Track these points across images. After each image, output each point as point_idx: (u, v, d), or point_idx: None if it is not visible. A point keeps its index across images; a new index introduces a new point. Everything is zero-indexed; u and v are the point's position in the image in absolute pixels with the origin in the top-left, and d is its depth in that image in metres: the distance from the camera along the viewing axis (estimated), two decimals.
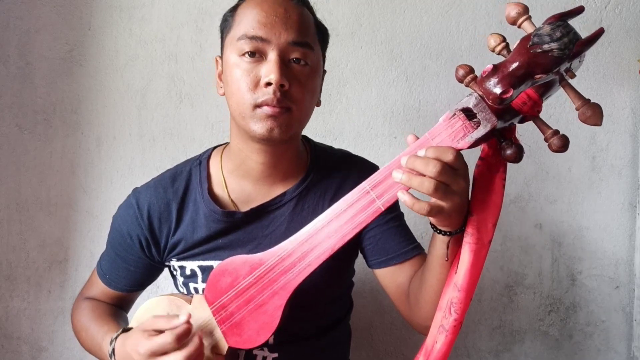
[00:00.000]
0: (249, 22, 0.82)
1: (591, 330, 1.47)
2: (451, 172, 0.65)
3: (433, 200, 0.66)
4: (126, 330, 0.87)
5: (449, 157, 0.64)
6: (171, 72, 1.41)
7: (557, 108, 1.42)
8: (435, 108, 1.43)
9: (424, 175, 0.64)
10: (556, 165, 1.42)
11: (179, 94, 1.41)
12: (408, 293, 0.90)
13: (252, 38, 0.81)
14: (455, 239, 0.73)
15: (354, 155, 1.02)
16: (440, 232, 0.73)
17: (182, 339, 0.76)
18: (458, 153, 0.65)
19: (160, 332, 0.78)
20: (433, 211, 0.66)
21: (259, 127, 0.82)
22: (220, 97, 0.91)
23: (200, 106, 1.41)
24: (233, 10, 0.87)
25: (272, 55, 0.81)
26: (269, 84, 0.80)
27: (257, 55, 0.81)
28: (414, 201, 0.66)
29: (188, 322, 0.78)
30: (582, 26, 1.41)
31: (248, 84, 0.81)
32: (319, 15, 0.85)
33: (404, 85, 1.42)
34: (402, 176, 0.66)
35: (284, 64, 0.81)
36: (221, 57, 0.89)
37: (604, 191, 1.44)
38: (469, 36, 1.42)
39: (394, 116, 1.43)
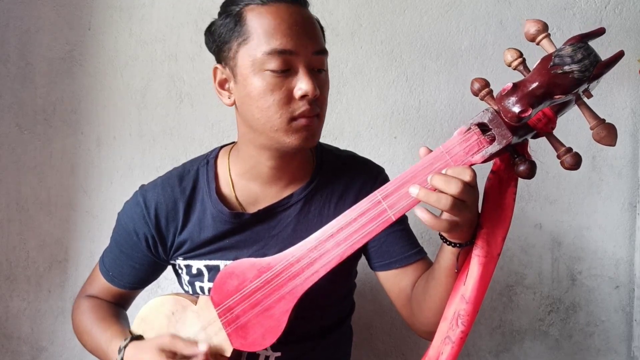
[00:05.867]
0: (272, 34, 0.79)
1: (591, 330, 1.47)
2: (469, 189, 0.66)
3: (447, 215, 0.67)
4: (135, 338, 0.88)
5: (467, 177, 0.65)
6: (171, 72, 1.41)
7: None
8: (435, 108, 1.43)
9: (441, 192, 0.65)
10: (556, 165, 1.41)
11: (179, 94, 1.41)
12: (410, 297, 0.90)
13: (282, 52, 0.78)
14: (466, 250, 0.74)
15: (360, 156, 1.02)
16: (450, 243, 0.74)
17: None
18: (474, 173, 0.66)
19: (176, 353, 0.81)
20: (450, 227, 0.67)
21: (295, 138, 0.82)
22: None
23: (200, 106, 1.41)
24: (236, 18, 0.82)
25: (302, 68, 0.80)
26: (303, 96, 0.79)
27: (287, 70, 0.80)
28: (431, 218, 0.66)
29: (206, 353, 0.79)
30: (581, 26, 1.42)
31: (282, 99, 0.80)
32: (318, 16, 0.85)
33: (404, 85, 1.42)
34: (420, 192, 0.67)
35: (312, 74, 0.81)
36: (224, 67, 0.85)
37: (604, 191, 1.45)
38: (469, 36, 1.42)
39: (394, 116, 1.43)
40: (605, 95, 1.43)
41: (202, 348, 0.79)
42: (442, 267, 0.77)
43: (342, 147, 1.05)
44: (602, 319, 1.47)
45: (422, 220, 0.67)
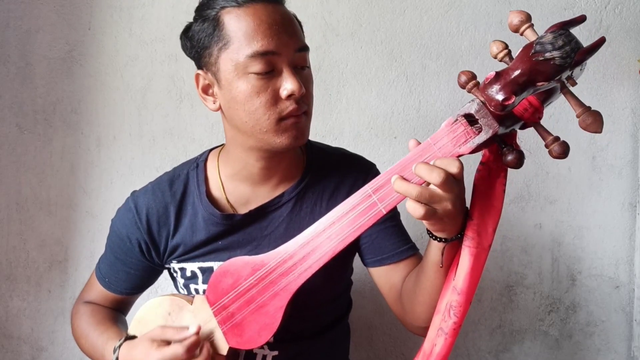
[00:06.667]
0: (252, 36, 0.78)
1: (591, 330, 1.47)
2: (451, 181, 0.66)
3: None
4: (129, 338, 0.88)
5: (453, 169, 0.65)
6: (171, 72, 1.41)
7: (557, 107, 1.42)
8: (435, 108, 1.43)
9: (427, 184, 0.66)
10: (556, 165, 1.42)
11: (179, 94, 1.41)
12: (401, 293, 0.90)
13: (265, 54, 0.78)
14: (451, 246, 0.74)
15: (351, 153, 1.02)
16: (435, 238, 0.74)
17: (192, 351, 0.78)
18: (462, 165, 0.66)
19: (169, 342, 0.80)
20: (427, 214, 0.66)
21: (285, 137, 0.82)
22: None
23: (200, 106, 1.41)
24: (214, 23, 0.81)
25: (286, 67, 0.80)
26: (290, 96, 0.79)
27: (271, 71, 0.79)
28: (410, 202, 0.66)
29: (197, 333, 0.79)
30: (581, 26, 1.41)
31: (268, 100, 0.80)
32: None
33: (404, 85, 1.42)
34: (401, 186, 0.67)
35: (296, 71, 0.81)
36: (206, 72, 0.85)
37: (604, 191, 1.44)
38: (469, 36, 1.42)
39: (394, 116, 1.43)
40: (605, 95, 1.43)
41: (192, 330, 0.79)
42: (430, 262, 0.77)
43: (342, 147, 1.05)
44: (602, 319, 1.47)
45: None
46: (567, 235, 1.45)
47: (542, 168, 1.43)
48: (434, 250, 0.75)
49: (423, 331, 0.80)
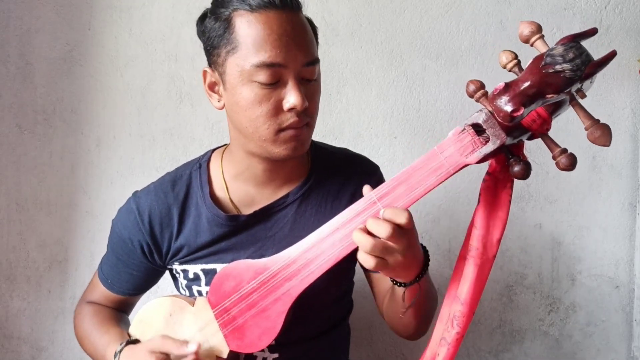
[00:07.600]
0: (260, 45, 0.77)
1: (591, 330, 1.47)
2: (400, 233, 0.68)
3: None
4: (131, 342, 0.88)
5: (402, 220, 0.68)
6: (171, 72, 1.41)
7: None
8: (435, 108, 1.43)
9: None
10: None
11: (179, 94, 1.41)
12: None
13: (271, 65, 0.77)
14: (411, 288, 0.78)
15: (355, 153, 1.02)
16: (395, 282, 0.78)
17: None
18: (410, 215, 0.68)
19: (168, 354, 0.81)
20: (378, 266, 0.69)
21: (283, 148, 0.82)
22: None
23: (200, 106, 1.41)
24: (225, 24, 0.80)
25: (291, 80, 0.78)
26: (292, 109, 0.79)
27: (276, 82, 0.78)
28: (360, 253, 0.70)
29: (197, 352, 0.80)
30: (581, 27, 1.41)
31: (270, 111, 0.79)
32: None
33: (404, 85, 1.42)
34: (358, 237, 0.69)
35: (301, 84, 0.80)
36: (214, 70, 0.84)
37: (604, 191, 1.44)
38: (469, 36, 1.42)
39: (394, 116, 1.43)
40: (605, 95, 1.43)
41: (192, 348, 0.79)
42: (395, 300, 0.83)
43: (342, 147, 1.05)
44: (602, 319, 1.47)
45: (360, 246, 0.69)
46: (567, 235, 1.45)
47: (542, 168, 1.43)
48: (397, 291, 0.80)
49: (408, 337, 0.88)
